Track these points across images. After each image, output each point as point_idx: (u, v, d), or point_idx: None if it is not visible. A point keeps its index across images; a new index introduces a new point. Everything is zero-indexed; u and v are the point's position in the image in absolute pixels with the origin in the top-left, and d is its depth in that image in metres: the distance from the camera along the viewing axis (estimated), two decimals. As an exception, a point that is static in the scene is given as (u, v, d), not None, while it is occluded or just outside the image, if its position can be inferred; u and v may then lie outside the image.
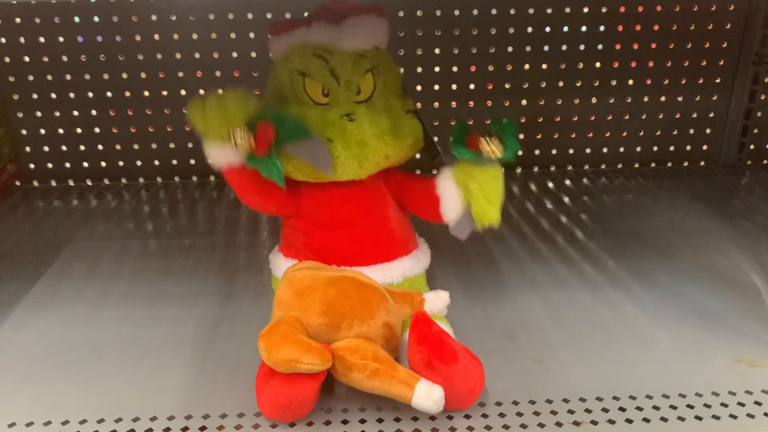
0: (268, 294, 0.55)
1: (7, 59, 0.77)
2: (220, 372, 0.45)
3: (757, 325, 0.51)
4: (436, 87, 0.81)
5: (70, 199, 0.79)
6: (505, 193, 0.46)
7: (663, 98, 0.84)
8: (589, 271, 0.60)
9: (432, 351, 0.39)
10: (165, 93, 0.79)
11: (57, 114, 0.80)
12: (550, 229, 0.69)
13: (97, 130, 0.81)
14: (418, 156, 0.52)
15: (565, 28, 0.79)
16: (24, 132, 0.81)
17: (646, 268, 0.60)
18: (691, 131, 0.87)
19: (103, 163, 0.83)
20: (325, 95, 0.46)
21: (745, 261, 0.61)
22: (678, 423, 0.40)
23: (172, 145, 0.82)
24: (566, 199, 0.77)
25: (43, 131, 0.81)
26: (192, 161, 0.83)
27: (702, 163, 0.88)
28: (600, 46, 0.80)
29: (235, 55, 0.78)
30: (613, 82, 0.83)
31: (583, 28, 0.79)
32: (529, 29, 0.79)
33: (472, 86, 0.81)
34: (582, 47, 0.80)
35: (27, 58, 0.77)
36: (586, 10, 0.79)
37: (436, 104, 0.81)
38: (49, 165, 0.82)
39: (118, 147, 0.82)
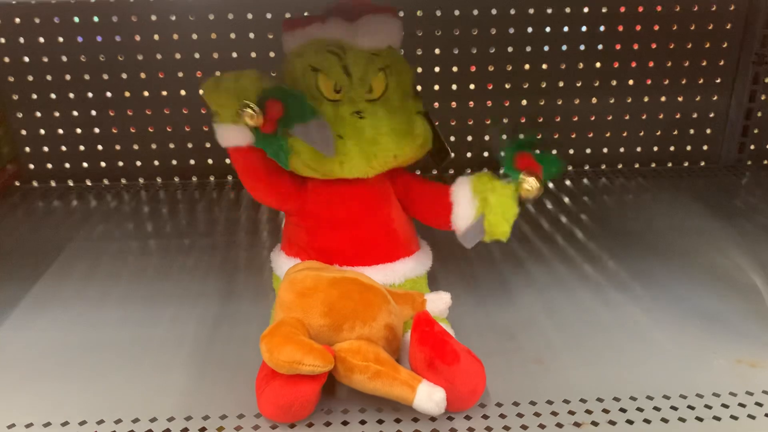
0: (268, 294, 0.55)
1: (6, 59, 0.77)
2: (220, 373, 0.45)
3: (758, 325, 0.51)
4: (436, 87, 0.81)
5: (69, 199, 0.79)
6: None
7: (663, 98, 0.84)
8: (590, 272, 0.60)
9: (434, 351, 0.39)
10: (165, 93, 0.79)
11: (56, 114, 0.80)
12: (551, 230, 0.69)
13: (96, 130, 0.81)
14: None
15: (566, 28, 0.79)
16: (23, 132, 0.81)
17: (646, 269, 0.60)
18: (692, 131, 0.86)
19: (103, 164, 0.82)
20: (337, 92, 0.46)
21: (745, 261, 0.61)
22: (679, 424, 0.40)
23: (171, 146, 0.82)
24: (566, 200, 0.77)
25: (42, 131, 0.81)
26: (192, 161, 0.83)
27: (702, 164, 0.88)
28: (600, 46, 0.80)
29: (234, 55, 0.78)
30: (614, 82, 0.83)
31: (584, 28, 0.79)
32: (530, 29, 0.79)
33: (472, 86, 0.81)
34: (582, 47, 0.80)
35: (26, 59, 0.77)
36: (586, 10, 0.79)
37: (436, 104, 0.81)
38: (49, 165, 0.82)
39: (117, 147, 0.82)
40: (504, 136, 0.46)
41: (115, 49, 0.77)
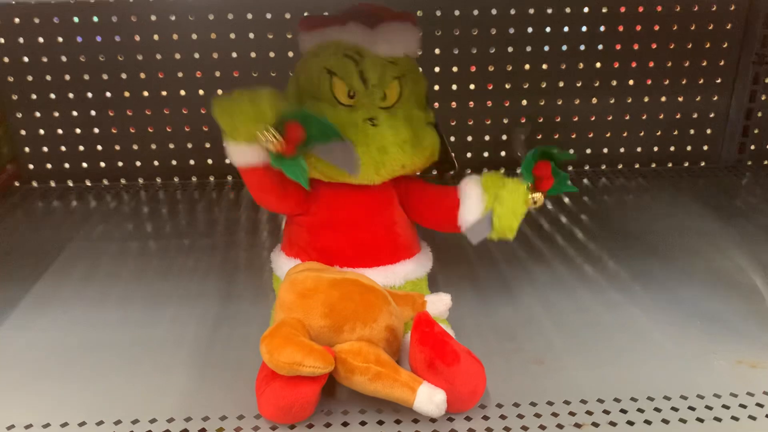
0: (268, 295, 0.55)
1: (6, 59, 0.77)
2: (220, 374, 0.45)
3: (759, 326, 0.50)
4: (436, 87, 0.81)
5: (69, 199, 0.78)
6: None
7: (663, 98, 0.84)
8: (590, 272, 0.60)
9: (434, 352, 0.39)
10: (164, 93, 0.79)
11: (56, 114, 0.80)
12: (551, 230, 0.69)
13: (96, 130, 0.81)
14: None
15: (566, 29, 0.79)
16: (23, 132, 0.81)
17: (646, 269, 0.60)
18: (692, 131, 0.86)
19: (102, 164, 0.82)
20: (350, 96, 0.46)
21: (745, 262, 0.61)
22: (679, 425, 0.40)
23: (171, 146, 0.82)
24: (566, 200, 0.77)
25: (42, 132, 0.81)
26: (191, 162, 0.83)
27: (702, 164, 0.88)
28: (600, 47, 0.80)
29: (234, 55, 0.78)
30: (614, 83, 0.83)
31: (584, 29, 0.79)
32: (530, 29, 0.79)
33: (472, 86, 0.81)
34: (582, 47, 0.80)
35: (26, 59, 0.77)
36: (586, 10, 0.79)
37: (437, 104, 0.81)
38: (48, 165, 0.82)
39: (117, 147, 0.81)
40: (523, 136, 0.46)
41: (114, 49, 0.77)
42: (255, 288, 0.57)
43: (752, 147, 0.87)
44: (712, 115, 0.86)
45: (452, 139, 0.83)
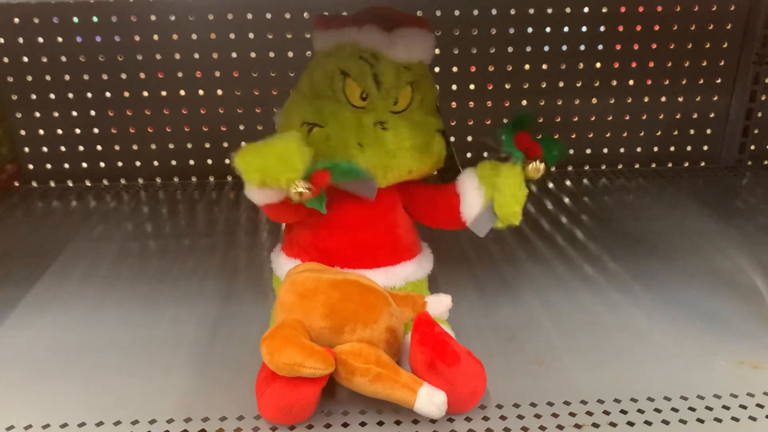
0: (268, 295, 0.55)
1: (5, 59, 0.77)
2: (220, 374, 0.45)
3: (759, 326, 0.50)
4: (436, 87, 0.80)
5: (69, 199, 0.78)
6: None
7: (663, 98, 0.84)
8: (590, 273, 0.59)
9: (434, 352, 0.39)
10: (164, 93, 0.79)
11: (56, 114, 0.80)
12: (551, 230, 0.69)
13: (96, 130, 0.81)
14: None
15: (566, 29, 0.79)
16: (23, 132, 0.81)
17: (646, 269, 0.60)
18: (692, 132, 0.86)
19: (102, 164, 0.82)
20: (363, 99, 0.46)
21: (746, 262, 0.61)
22: (680, 426, 0.40)
23: (171, 146, 0.82)
24: (566, 200, 0.77)
25: (41, 132, 0.81)
26: (191, 162, 0.83)
27: (702, 164, 0.88)
28: (600, 47, 0.80)
29: (234, 55, 0.78)
30: (614, 83, 0.83)
31: (584, 29, 0.79)
32: (530, 29, 0.79)
33: (472, 86, 0.81)
34: (582, 47, 0.80)
35: (26, 59, 0.77)
36: (586, 10, 0.79)
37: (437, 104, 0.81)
38: (48, 166, 0.82)
39: (117, 147, 0.81)
40: (489, 142, 0.46)
41: (114, 49, 0.77)
42: (255, 288, 0.57)
43: (752, 147, 0.87)
44: (712, 115, 0.86)
45: (452, 139, 0.83)
